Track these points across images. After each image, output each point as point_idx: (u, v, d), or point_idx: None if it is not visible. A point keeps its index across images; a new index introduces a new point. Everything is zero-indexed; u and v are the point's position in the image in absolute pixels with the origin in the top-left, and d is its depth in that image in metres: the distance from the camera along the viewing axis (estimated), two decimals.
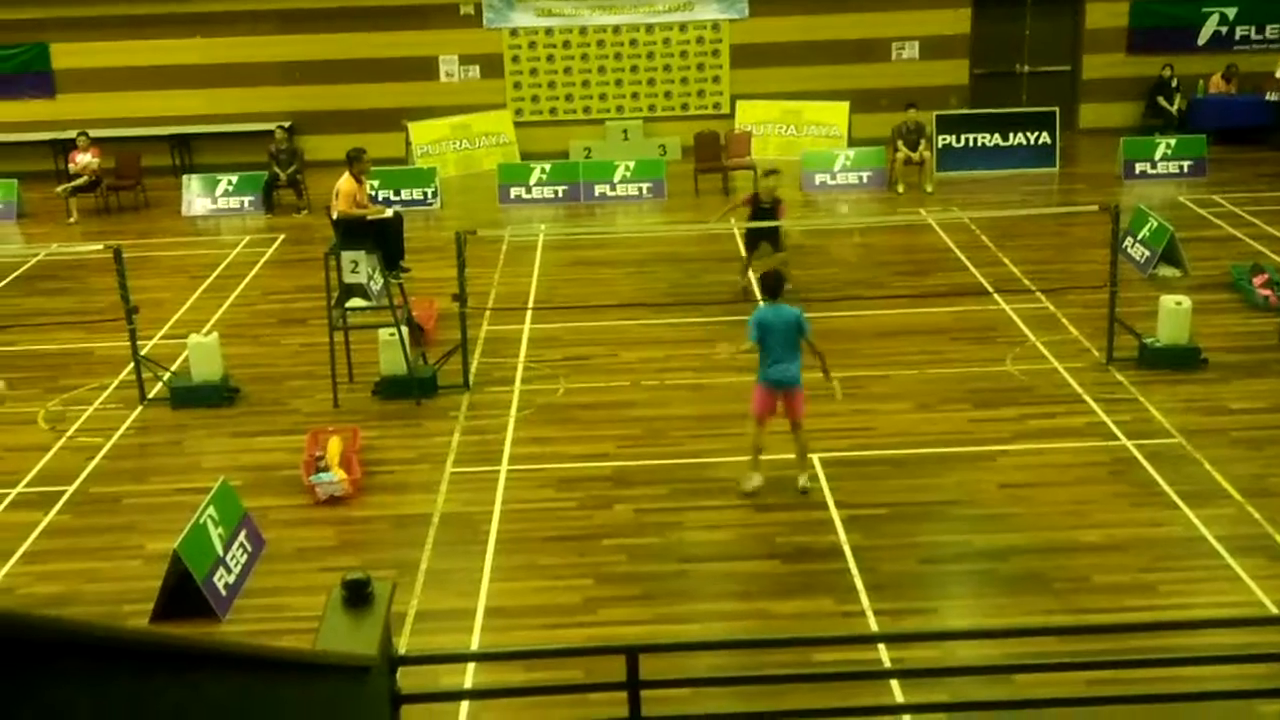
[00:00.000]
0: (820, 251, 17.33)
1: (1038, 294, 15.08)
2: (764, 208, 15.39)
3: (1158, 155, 20.87)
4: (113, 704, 2.17)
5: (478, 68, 23.55)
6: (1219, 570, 9.38)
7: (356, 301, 12.93)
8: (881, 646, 8.38)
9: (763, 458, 10.68)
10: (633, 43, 23.58)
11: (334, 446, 11.25)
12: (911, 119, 20.69)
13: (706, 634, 8.90)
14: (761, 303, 10.60)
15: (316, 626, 4.17)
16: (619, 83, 23.74)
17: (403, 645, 8.44)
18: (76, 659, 2.01)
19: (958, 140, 21.67)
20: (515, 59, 23.60)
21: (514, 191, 20.91)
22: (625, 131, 23.04)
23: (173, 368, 13.50)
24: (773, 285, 10.75)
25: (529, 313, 15.17)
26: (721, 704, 6.84)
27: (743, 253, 15.99)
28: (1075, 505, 10.38)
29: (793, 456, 10.71)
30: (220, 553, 9.49)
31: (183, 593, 9.13)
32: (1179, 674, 7.01)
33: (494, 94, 23.58)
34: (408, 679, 4.58)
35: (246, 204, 20.94)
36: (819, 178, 21.06)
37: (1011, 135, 21.64)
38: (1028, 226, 17.79)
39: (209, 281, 17.13)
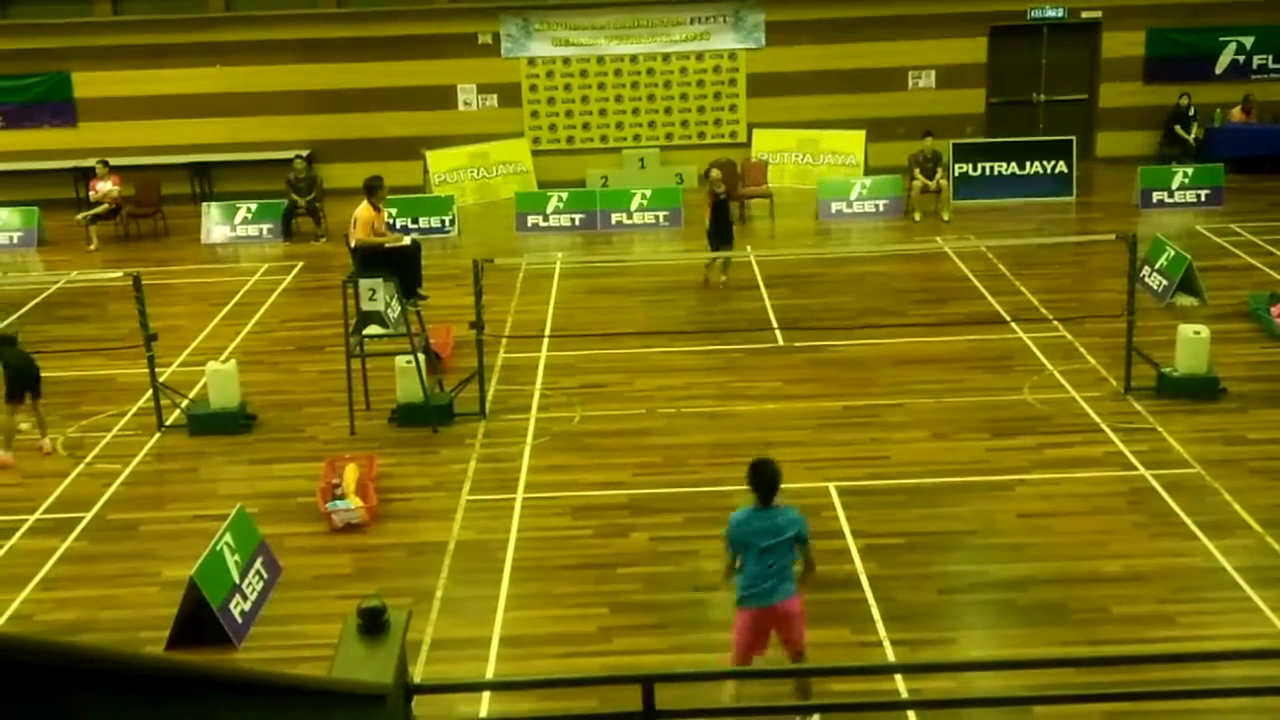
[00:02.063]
0: (835, 280, 17.33)
1: (1055, 323, 15.05)
2: (721, 199, 17.23)
3: (1175, 184, 20.84)
4: None
5: (495, 97, 23.67)
6: (1239, 602, 9.31)
7: (374, 329, 12.97)
8: (899, 677, 8.33)
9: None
10: (650, 71, 23.68)
11: (350, 474, 11.26)
12: (928, 147, 20.71)
13: (722, 664, 8.85)
14: (747, 506, 7.92)
15: (332, 654, 4.17)
16: (636, 111, 23.83)
17: (418, 674, 8.43)
18: (93, 686, 2.01)
19: (974, 169, 21.67)
20: (533, 88, 23.72)
21: (531, 219, 20.98)
22: (642, 160, 23.11)
23: (191, 395, 13.55)
24: (766, 482, 7.82)
25: (545, 340, 15.19)
26: None
27: (710, 251, 17.45)
28: (1094, 535, 10.33)
29: (810, 485, 10.65)
30: (236, 580, 9.50)
31: (199, 620, 9.14)
32: (1198, 706, 6.97)
33: (511, 123, 23.69)
34: (423, 708, 4.57)
35: (265, 232, 21.04)
36: (835, 206, 21.08)
37: (1028, 164, 21.64)
38: (1045, 255, 17.77)
39: (227, 309, 17.21)
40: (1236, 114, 22.79)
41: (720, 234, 17.30)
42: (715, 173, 17.71)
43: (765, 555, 7.71)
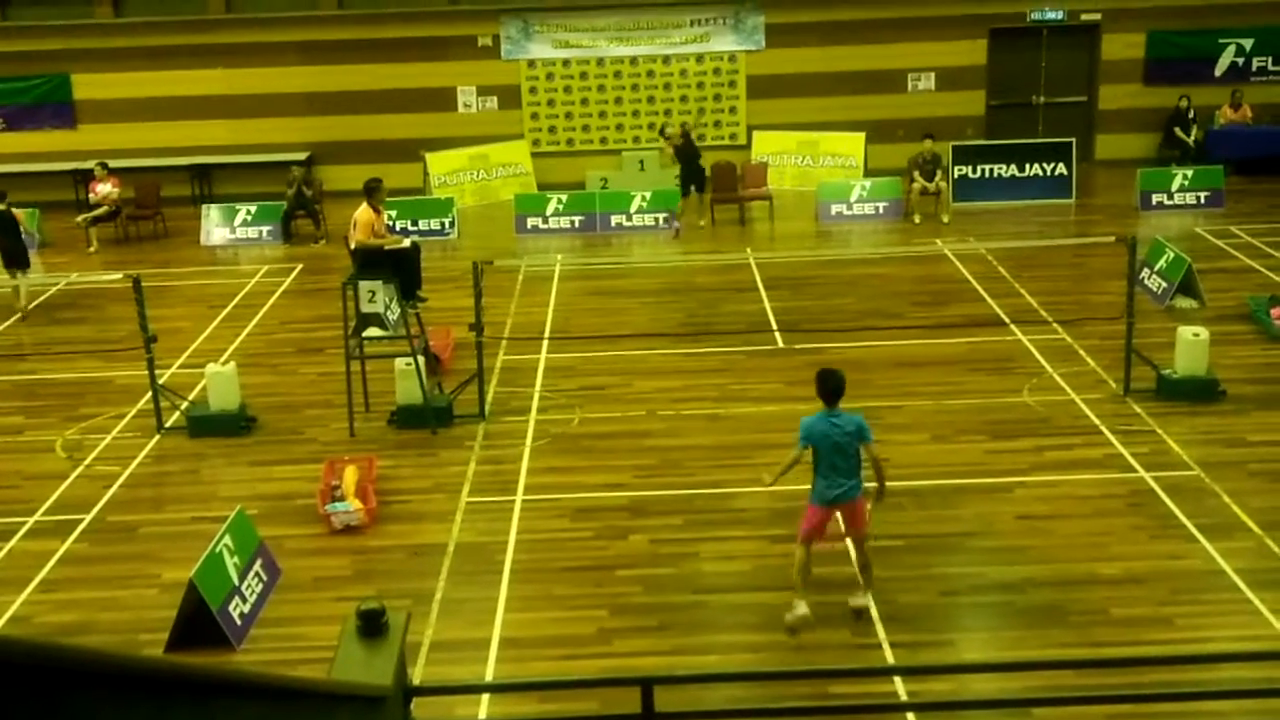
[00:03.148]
0: (835, 282, 17.34)
1: (1054, 325, 15.05)
2: (680, 147, 19.17)
3: (1175, 186, 20.85)
4: None
5: (495, 99, 23.68)
6: (1238, 604, 9.31)
7: (373, 331, 12.97)
8: (898, 679, 8.33)
9: (774, 488, 10.60)
10: (649, 74, 23.69)
11: (350, 476, 11.26)
12: (928, 150, 20.72)
13: (722, 665, 8.86)
14: (818, 412, 8.85)
15: (331, 656, 4.17)
16: (636, 113, 23.84)
17: (417, 675, 8.43)
18: (92, 688, 2.02)
19: (974, 171, 21.68)
20: (533, 90, 23.73)
21: (531, 221, 20.99)
22: (641, 162, 23.11)
23: (190, 397, 13.55)
24: (832, 388, 8.83)
25: (545, 342, 15.19)
26: None
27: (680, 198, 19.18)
28: (1093, 537, 10.33)
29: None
30: (236, 582, 9.50)
31: (198, 622, 9.14)
32: (1197, 709, 6.97)
33: (511, 125, 23.70)
34: (422, 710, 4.57)
35: (265, 234, 21.04)
36: (835, 208, 21.08)
37: (1028, 166, 21.65)
38: (1044, 257, 17.78)
39: (227, 311, 17.21)
40: (1227, 111, 22.77)
41: (692, 181, 19.43)
42: (671, 128, 19.37)
43: (831, 454, 8.69)
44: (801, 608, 8.94)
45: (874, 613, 9.30)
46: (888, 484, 9.07)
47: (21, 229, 18.19)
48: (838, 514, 8.99)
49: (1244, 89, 23.04)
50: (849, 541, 9.27)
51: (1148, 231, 18.04)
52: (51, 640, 1.90)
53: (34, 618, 9.79)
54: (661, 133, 21.06)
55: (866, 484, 8.96)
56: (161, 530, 11.12)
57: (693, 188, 20.43)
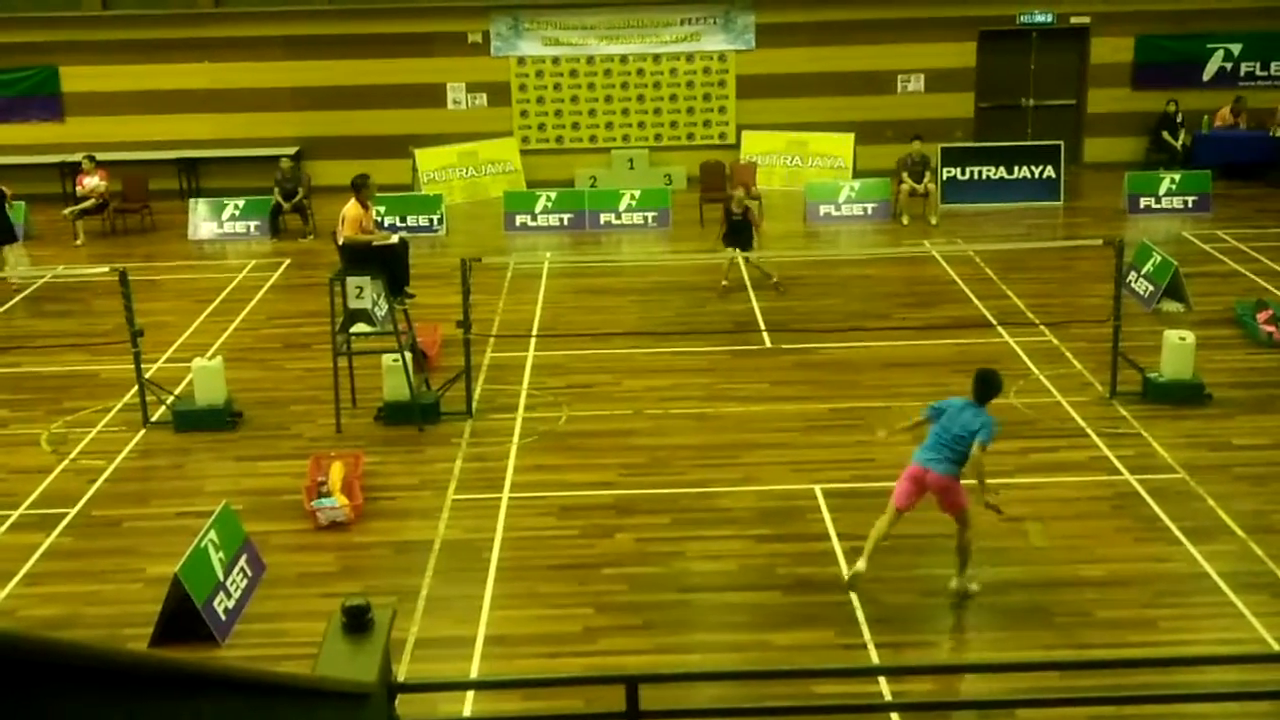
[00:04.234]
0: (823, 282, 17.35)
1: (1041, 327, 15.08)
2: (735, 218, 17.05)
3: (1162, 190, 20.91)
4: None
5: (485, 96, 23.66)
6: (1222, 607, 9.35)
7: (361, 327, 12.95)
8: (883, 679, 8.34)
9: (761, 488, 10.64)
10: (639, 72, 23.69)
11: (336, 472, 11.24)
12: (916, 151, 20.75)
13: (707, 664, 8.87)
14: (963, 398, 9.52)
15: (316, 652, 4.16)
16: (625, 112, 23.84)
17: (402, 672, 8.42)
18: (76, 681, 2.01)
19: (962, 173, 21.72)
20: (522, 87, 23.71)
21: (519, 219, 20.97)
22: (631, 160, 23.13)
23: (176, 391, 13.51)
24: (983, 388, 9.49)
25: (533, 340, 15.18)
26: None
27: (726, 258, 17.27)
28: (1077, 540, 10.35)
29: (795, 487, 10.65)
30: (221, 577, 9.48)
31: (183, 616, 9.11)
32: (1181, 710, 6.99)
33: (501, 122, 23.68)
34: (407, 706, 4.56)
35: (253, 228, 20.99)
36: (824, 209, 21.11)
37: (1016, 169, 21.70)
38: (1032, 260, 17.81)
39: (214, 305, 17.17)
40: (1225, 114, 22.85)
41: (737, 244, 17.09)
42: (738, 193, 17.54)
43: (941, 432, 9.30)
44: (860, 564, 9.40)
45: (859, 613, 9.32)
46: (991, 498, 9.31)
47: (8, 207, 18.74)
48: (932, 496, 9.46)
49: (1246, 95, 23.06)
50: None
51: (1135, 235, 18.09)
52: (35, 634, 1.89)
53: (18, 611, 9.75)
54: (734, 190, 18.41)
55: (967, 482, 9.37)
56: (146, 525, 11.09)
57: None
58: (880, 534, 9.44)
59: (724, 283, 16.94)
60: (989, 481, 9.33)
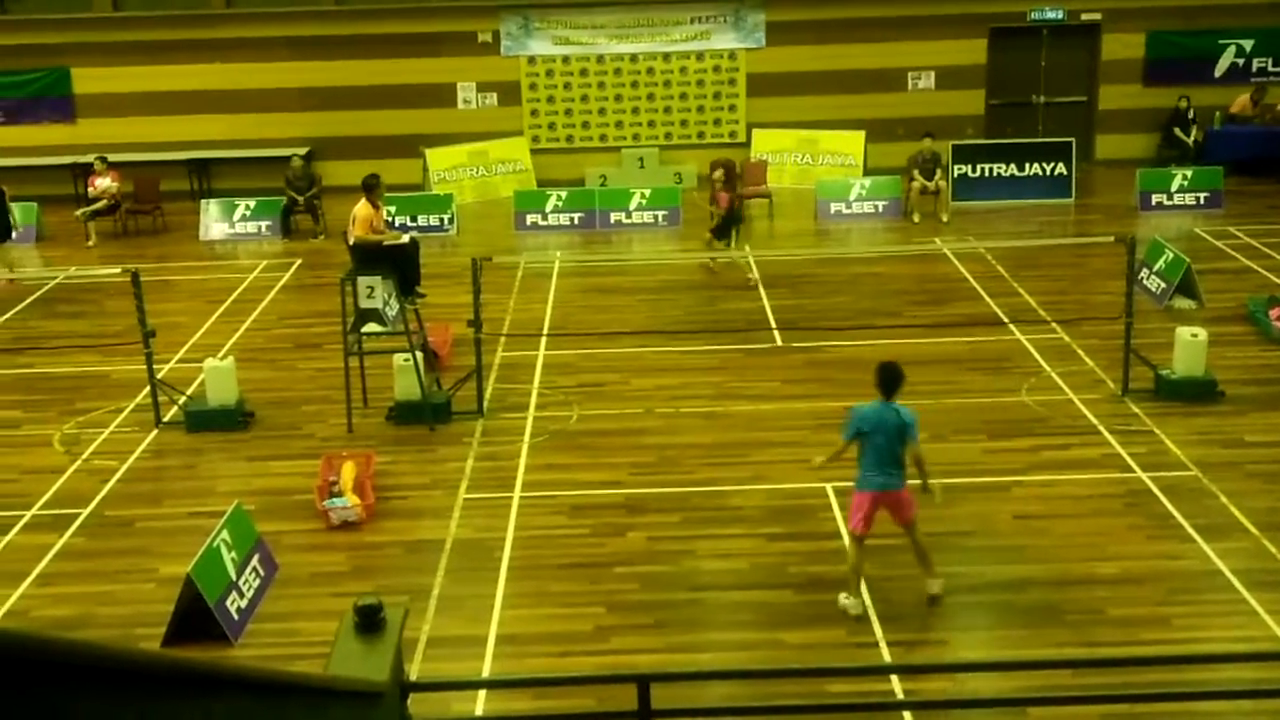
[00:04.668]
0: (833, 280, 17.34)
1: (1053, 325, 15.05)
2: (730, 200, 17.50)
3: (1174, 187, 20.85)
4: None
5: (495, 95, 23.67)
6: (1235, 605, 9.32)
7: (372, 327, 12.96)
8: (894, 678, 8.34)
9: (771, 486, 10.63)
10: (649, 71, 23.68)
11: (348, 471, 11.26)
12: (927, 148, 20.72)
13: (718, 663, 8.86)
14: (872, 401, 9.25)
15: (329, 651, 4.17)
16: (635, 110, 23.83)
17: (414, 671, 8.44)
18: (89, 682, 2.01)
19: (974, 170, 21.68)
20: (533, 86, 23.72)
21: (530, 218, 20.97)
22: (641, 159, 23.12)
23: (188, 391, 13.55)
24: (887, 379, 9.21)
25: (544, 339, 15.19)
26: None
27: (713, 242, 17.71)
28: (1090, 537, 10.33)
29: (807, 485, 10.65)
30: (233, 577, 9.50)
31: (195, 616, 9.14)
32: (1194, 709, 6.97)
33: (511, 121, 23.69)
34: (419, 705, 4.57)
35: (264, 229, 21.03)
36: (834, 206, 21.08)
37: (1027, 166, 21.64)
38: (1043, 257, 17.78)
39: (225, 306, 17.20)
40: (1244, 102, 22.61)
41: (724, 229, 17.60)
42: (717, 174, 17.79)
43: (883, 448, 9.00)
44: (856, 605, 9.20)
45: (871, 611, 9.31)
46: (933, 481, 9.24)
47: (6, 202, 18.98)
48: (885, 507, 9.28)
49: (1269, 88, 22.95)
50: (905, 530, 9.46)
51: (1147, 232, 18.03)
52: (49, 634, 1.90)
53: (31, 611, 9.78)
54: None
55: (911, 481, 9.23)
56: (159, 525, 11.12)
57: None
58: (858, 565, 9.28)
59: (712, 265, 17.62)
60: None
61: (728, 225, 17.44)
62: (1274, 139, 22.50)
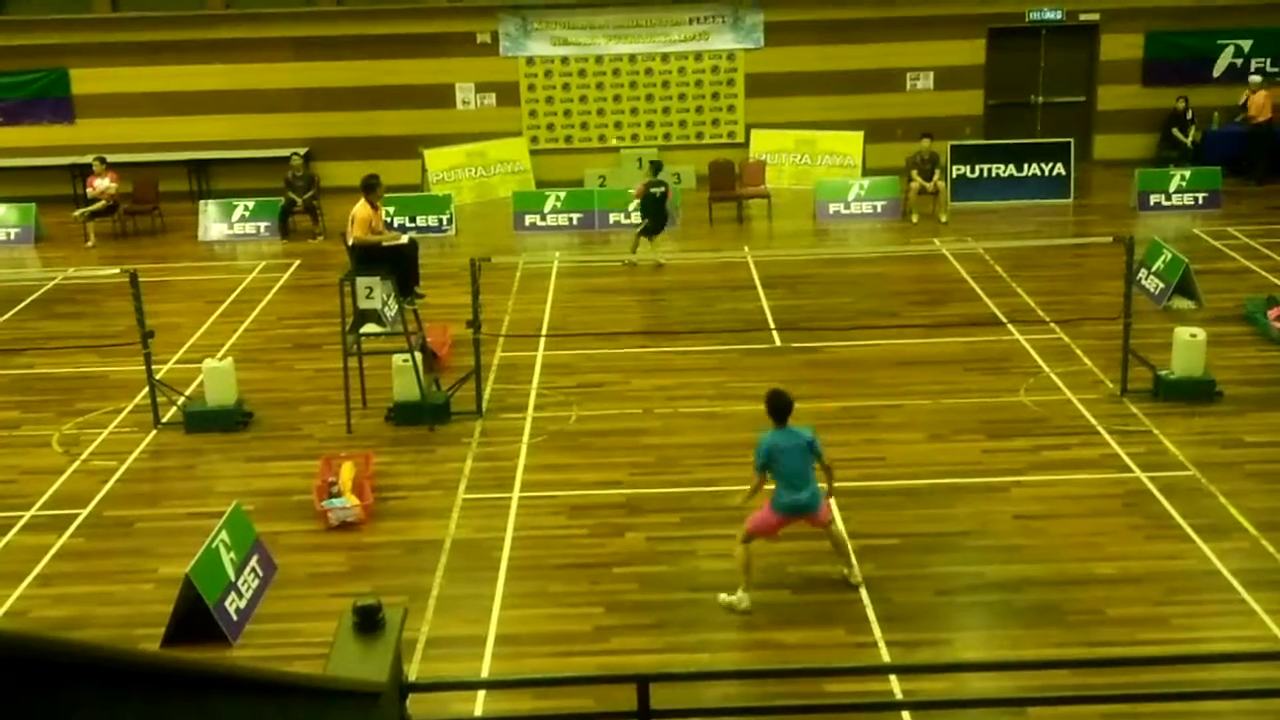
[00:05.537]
0: (832, 281, 17.34)
1: (1052, 325, 15.06)
2: (654, 194, 18.29)
3: (1172, 187, 20.86)
4: None
5: (494, 95, 23.67)
6: (1234, 605, 9.33)
7: (371, 327, 12.96)
8: (894, 678, 8.34)
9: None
10: (648, 71, 23.68)
11: (347, 472, 11.26)
12: (926, 149, 20.72)
13: (718, 663, 8.87)
14: (769, 430, 9.47)
15: (327, 652, 4.17)
16: (634, 111, 23.84)
17: (413, 672, 8.44)
18: (89, 682, 2.01)
19: (972, 171, 21.68)
20: (531, 87, 23.72)
21: (528, 219, 20.98)
22: (640, 160, 23.08)
23: (187, 392, 13.55)
24: (781, 407, 9.48)
25: (542, 340, 15.19)
26: None
27: (638, 234, 18.54)
28: (1089, 537, 10.33)
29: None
30: (232, 577, 9.50)
31: (194, 617, 9.13)
32: (1193, 709, 6.98)
33: (509, 121, 23.69)
34: (418, 706, 4.57)
35: (263, 229, 21.03)
36: (833, 207, 21.09)
37: (1026, 166, 21.65)
38: (1042, 257, 17.79)
39: (224, 306, 17.20)
40: (1262, 101, 22.36)
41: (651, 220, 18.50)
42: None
43: (798, 468, 9.26)
44: (746, 600, 9.41)
45: (870, 612, 9.31)
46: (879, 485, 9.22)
47: None
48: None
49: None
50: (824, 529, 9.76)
51: (1145, 232, 18.04)
52: (47, 634, 1.90)
53: (30, 612, 9.78)
54: (654, 165, 19.15)
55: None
56: (158, 525, 11.12)
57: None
58: (748, 563, 9.48)
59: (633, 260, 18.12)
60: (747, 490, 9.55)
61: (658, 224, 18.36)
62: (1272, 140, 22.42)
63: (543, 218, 21.00)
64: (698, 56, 23.63)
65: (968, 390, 13.43)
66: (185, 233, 21.23)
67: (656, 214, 18.47)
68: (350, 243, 13.61)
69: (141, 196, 21.62)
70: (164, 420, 13.19)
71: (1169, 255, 15.94)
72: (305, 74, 23.28)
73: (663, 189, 18.51)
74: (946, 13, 23.08)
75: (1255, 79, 22.53)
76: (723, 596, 9.48)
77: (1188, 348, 13.00)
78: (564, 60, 23.61)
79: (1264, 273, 17.08)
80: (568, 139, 23.89)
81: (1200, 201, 20.72)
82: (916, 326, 15.17)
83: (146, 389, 13.27)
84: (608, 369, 14.35)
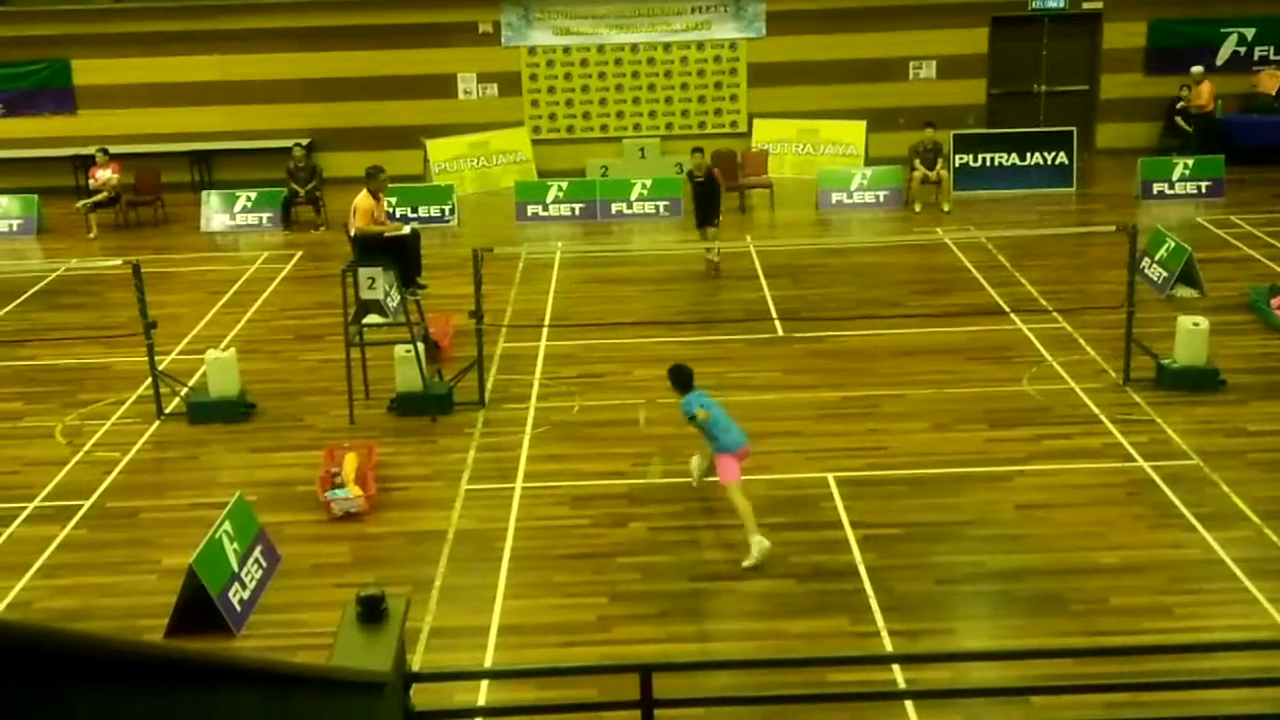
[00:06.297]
0: (835, 270, 17.33)
1: (1055, 314, 15.05)
2: (699, 181, 17.37)
3: (1175, 175, 20.83)
4: (128, 718, 2.17)
5: (496, 86, 23.65)
6: (1236, 593, 9.33)
7: (373, 318, 12.96)
8: (896, 667, 8.34)
9: (773, 476, 10.67)
10: (650, 61, 23.65)
11: (350, 462, 11.27)
12: (929, 138, 20.69)
13: (721, 653, 8.88)
14: (690, 393, 10.40)
15: (331, 642, 4.17)
16: (636, 101, 23.80)
17: (417, 662, 8.45)
18: (92, 673, 2.02)
19: (975, 159, 21.65)
20: (533, 77, 23.69)
21: (531, 209, 20.96)
22: (642, 149, 23.09)
23: (190, 383, 13.55)
24: (685, 377, 10.49)
25: (545, 330, 15.19)
26: None
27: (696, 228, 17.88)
28: (1092, 527, 10.34)
29: (808, 475, 10.68)
30: (235, 568, 9.51)
31: (198, 608, 9.15)
32: (1196, 697, 6.97)
33: (512, 112, 23.66)
34: (421, 696, 4.58)
35: (265, 220, 21.03)
36: (835, 196, 21.06)
37: (1029, 155, 21.63)
38: (1045, 246, 17.77)
39: (227, 297, 17.20)
40: (1206, 86, 22.41)
41: (707, 211, 17.53)
42: (695, 158, 17.73)
43: (716, 413, 10.17)
44: (765, 541, 9.84)
45: (873, 601, 9.32)
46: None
47: None
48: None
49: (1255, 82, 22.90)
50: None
51: (1148, 220, 18.02)
52: (51, 625, 1.90)
53: (34, 603, 9.80)
54: (694, 152, 18.04)
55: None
56: (161, 516, 11.13)
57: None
58: (748, 506, 9.97)
59: (713, 258, 17.36)
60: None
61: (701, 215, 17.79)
62: (1275, 128, 22.39)
63: (545, 208, 20.99)
64: (700, 46, 23.59)
65: (970, 379, 13.43)
66: (188, 224, 21.22)
67: (698, 204, 17.52)
68: (352, 233, 13.61)
69: (144, 187, 21.62)
70: (167, 411, 13.19)
71: (1172, 244, 15.92)
72: (307, 64, 23.25)
73: (703, 177, 17.42)
74: (949, 1, 23.03)
75: (1197, 69, 22.53)
76: (747, 561, 9.79)
77: (1191, 336, 12.99)
78: (566, 50, 23.58)
79: (1267, 261, 17.06)
80: (570, 129, 23.86)
81: (1203, 190, 20.69)
82: (919, 316, 15.16)
83: (149, 380, 13.28)
84: (610, 359, 14.35)
